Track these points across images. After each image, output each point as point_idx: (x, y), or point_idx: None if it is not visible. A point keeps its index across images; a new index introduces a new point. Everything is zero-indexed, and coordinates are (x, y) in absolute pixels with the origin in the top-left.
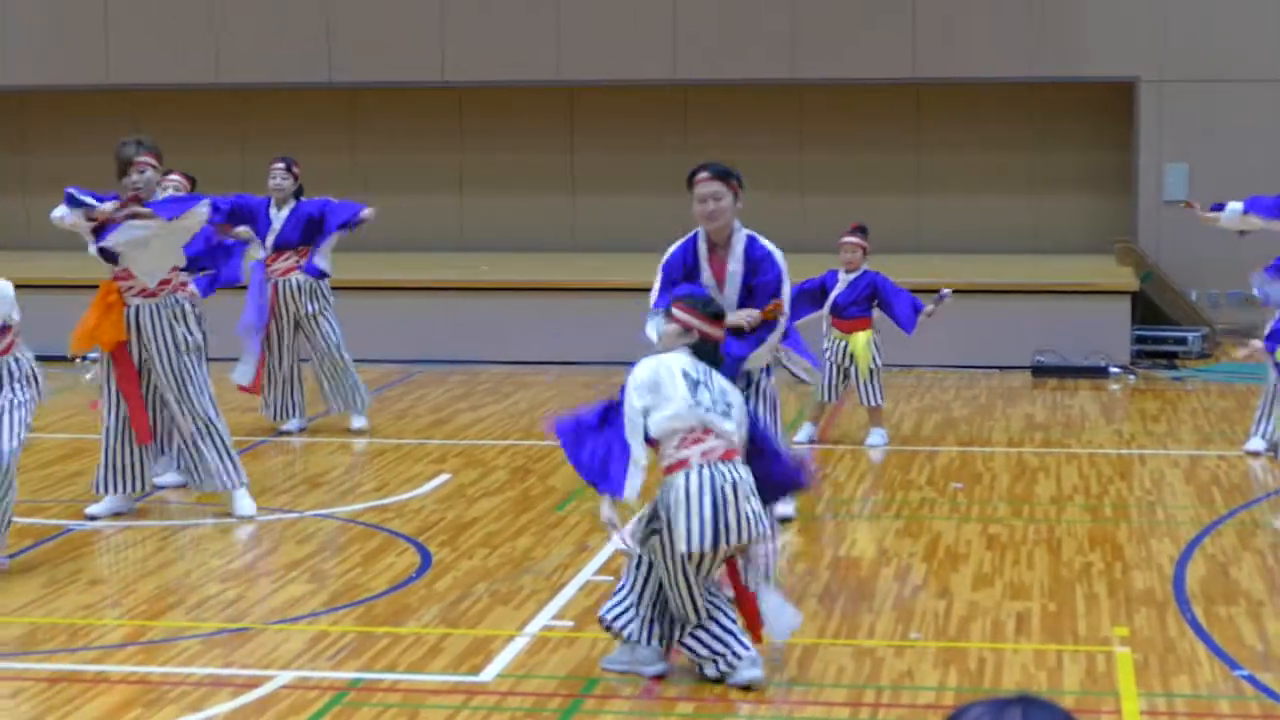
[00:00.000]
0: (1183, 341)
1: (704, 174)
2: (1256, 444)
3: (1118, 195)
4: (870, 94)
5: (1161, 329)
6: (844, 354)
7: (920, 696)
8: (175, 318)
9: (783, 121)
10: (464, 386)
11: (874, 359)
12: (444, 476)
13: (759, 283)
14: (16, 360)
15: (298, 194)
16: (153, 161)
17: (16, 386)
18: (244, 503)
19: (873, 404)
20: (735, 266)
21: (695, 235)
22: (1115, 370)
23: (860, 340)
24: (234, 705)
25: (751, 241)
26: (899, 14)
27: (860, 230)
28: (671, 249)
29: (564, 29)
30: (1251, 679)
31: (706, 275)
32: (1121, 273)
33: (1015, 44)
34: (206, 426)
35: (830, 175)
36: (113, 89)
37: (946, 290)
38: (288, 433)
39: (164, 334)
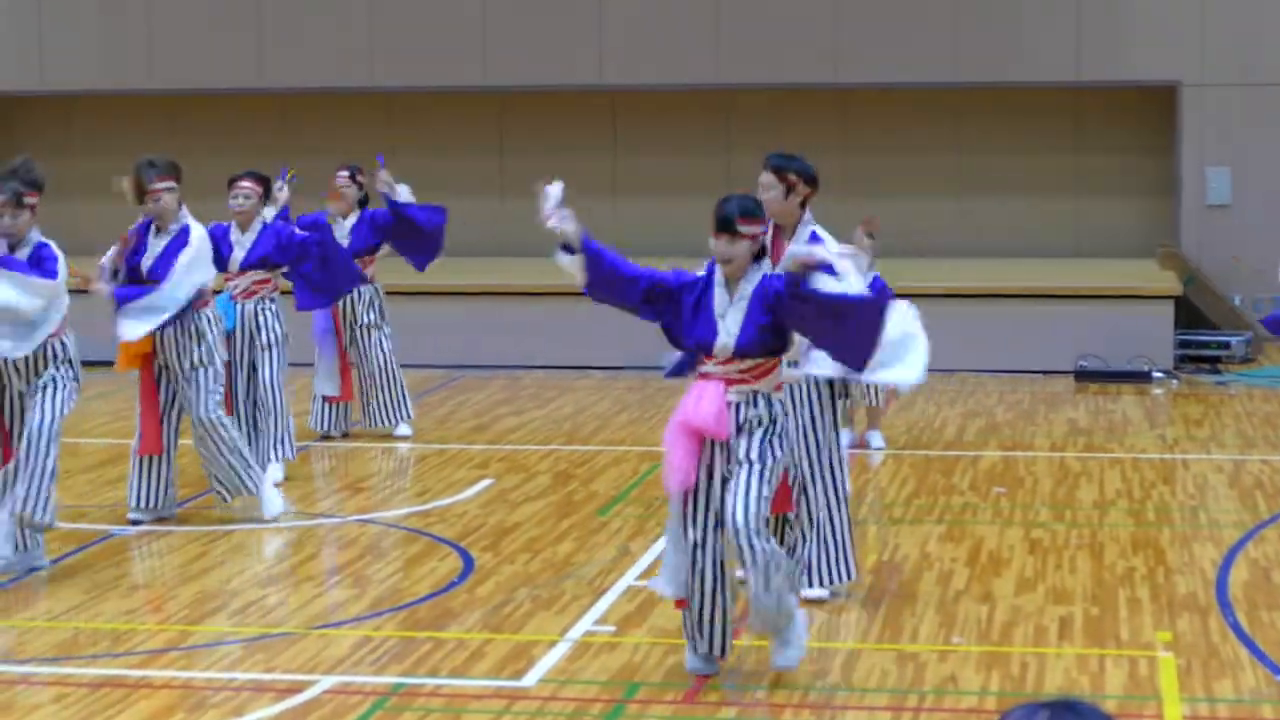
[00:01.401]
0: (1226, 346)
1: (765, 165)
2: None
3: (1160, 199)
4: (912, 98)
5: (1204, 333)
6: None
7: (963, 701)
8: (192, 336)
9: (825, 125)
10: (506, 391)
11: None
12: (487, 481)
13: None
14: (63, 343)
15: (363, 202)
16: (169, 184)
17: (62, 367)
18: (270, 503)
19: (873, 404)
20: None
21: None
22: (1158, 375)
23: None
24: (276, 710)
25: (814, 234)
26: (940, 19)
27: (868, 236)
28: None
29: (606, 32)
30: None
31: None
32: (1164, 277)
33: (1057, 48)
34: (211, 430)
35: (873, 178)
36: (155, 93)
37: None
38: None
39: (181, 351)
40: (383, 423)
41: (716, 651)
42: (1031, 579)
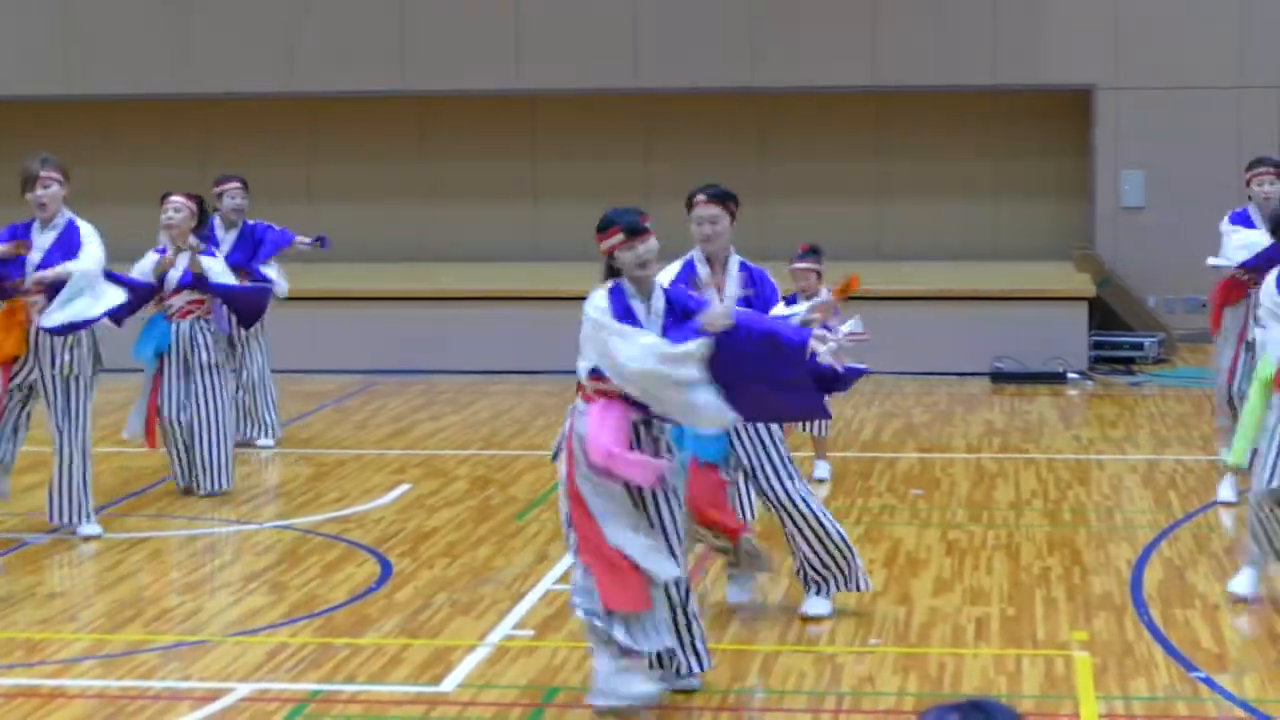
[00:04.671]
0: (1139, 347)
1: (702, 196)
2: None
3: (1075, 202)
4: (831, 102)
5: (1119, 335)
6: None
7: (881, 702)
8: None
9: (743, 130)
10: (423, 397)
11: None
12: (404, 487)
13: (763, 296)
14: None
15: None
16: (58, 177)
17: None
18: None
19: (820, 434)
20: (733, 289)
21: (691, 259)
22: (1073, 376)
23: None
24: (193, 718)
25: (742, 264)
26: (859, 23)
27: (813, 252)
28: (671, 274)
29: (524, 36)
30: (1208, 681)
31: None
32: (1079, 279)
33: (974, 52)
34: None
35: (792, 183)
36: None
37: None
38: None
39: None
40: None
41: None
42: (949, 580)
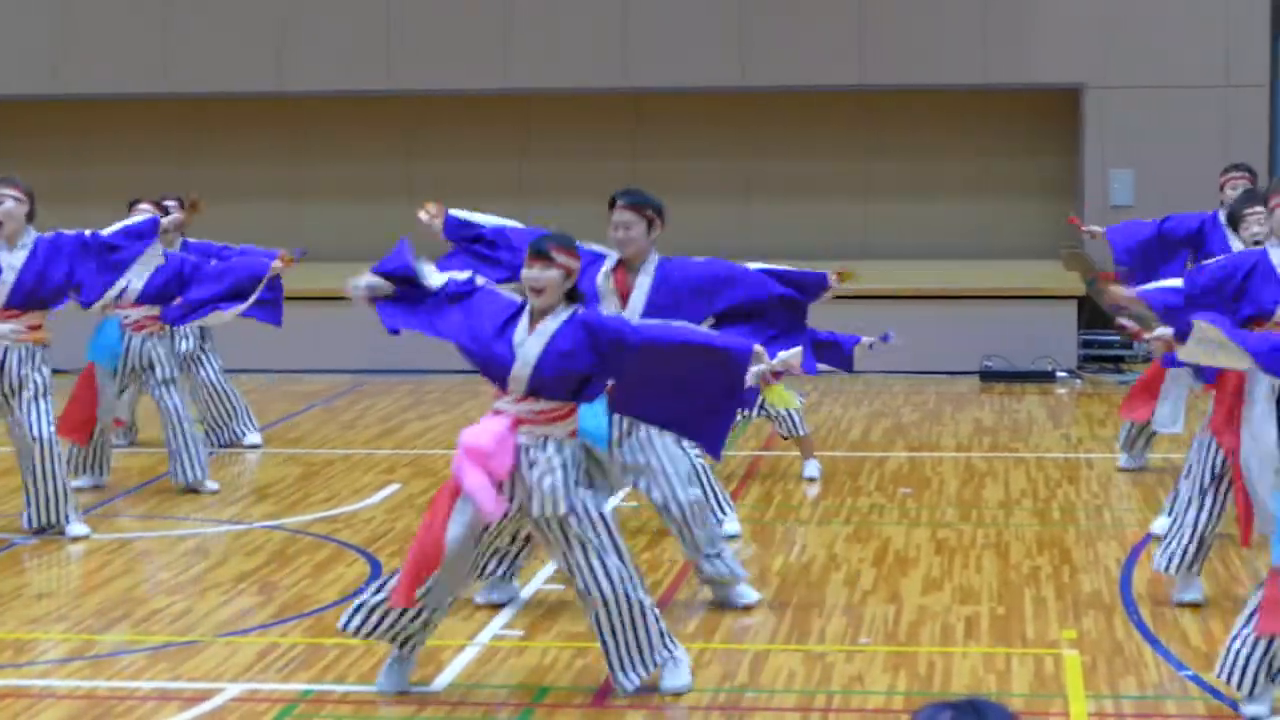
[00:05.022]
0: (1128, 346)
1: (620, 202)
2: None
3: (1064, 201)
4: (818, 100)
5: (1107, 333)
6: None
7: (870, 701)
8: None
9: (731, 128)
10: (412, 396)
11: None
12: (393, 486)
13: (676, 297)
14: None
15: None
16: (13, 194)
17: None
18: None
19: (804, 433)
20: (639, 298)
21: (602, 256)
22: (1062, 375)
23: (776, 387)
24: (183, 718)
25: (661, 262)
26: (847, 21)
27: None
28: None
29: (515, 35)
30: (1197, 679)
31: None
32: (1068, 278)
33: (962, 51)
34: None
35: (779, 182)
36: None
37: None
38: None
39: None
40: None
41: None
42: (938, 579)
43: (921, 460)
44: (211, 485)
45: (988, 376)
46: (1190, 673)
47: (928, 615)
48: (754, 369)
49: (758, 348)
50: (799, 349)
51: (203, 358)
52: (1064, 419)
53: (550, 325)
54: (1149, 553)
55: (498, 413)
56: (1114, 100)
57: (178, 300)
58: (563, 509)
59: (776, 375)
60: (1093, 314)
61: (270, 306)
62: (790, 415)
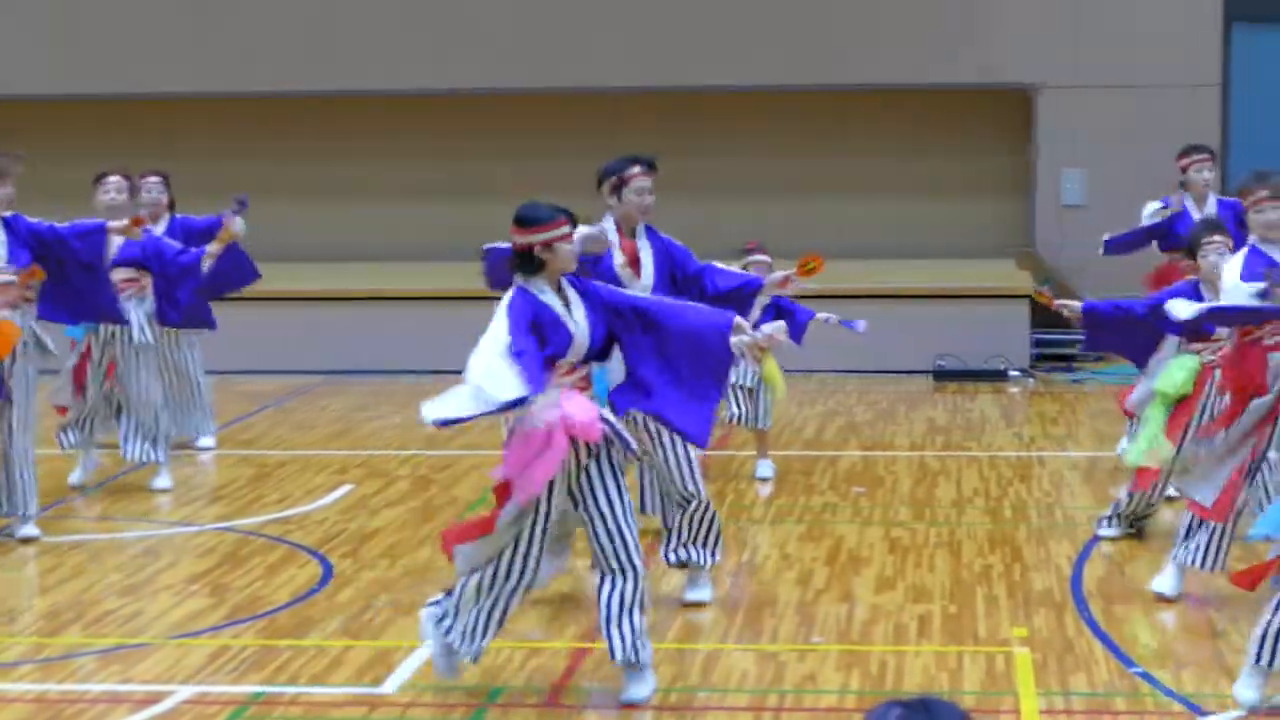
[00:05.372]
0: (1080, 344)
1: (638, 169)
2: None
3: (1017, 200)
4: (772, 100)
5: (1059, 332)
6: (754, 377)
7: (823, 700)
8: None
9: (679, 128)
10: (365, 397)
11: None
12: (346, 487)
13: (679, 260)
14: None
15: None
16: None
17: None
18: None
19: (765, 426)
20: (647, 257)
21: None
22: (1015, 374)
23: (772, 362)
24: None
25: (649, 230)
26: (805, 21)
27: (760, 249)
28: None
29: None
30: (1147, 676)
31: (620, 259)
32: (1020, 277)
33: (916, 51)
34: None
35: (731, 181)
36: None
37: (862, 323)
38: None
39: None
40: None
41: (473, 654)
42: (891, 578)
43: (875, 459)
44: (164, 480)
45: (941, 376)
46: (1140, 670)
47: (880, 614)
48: (735, 339)
49: (738, 319)
50: (782, 323)
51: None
52: (1016, 418)
53: (571, 294)
54: (1100, 550)
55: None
56: (1067, 100)
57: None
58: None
59: (763, 350)
60: (1045, 313)
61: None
62: (760, 404)
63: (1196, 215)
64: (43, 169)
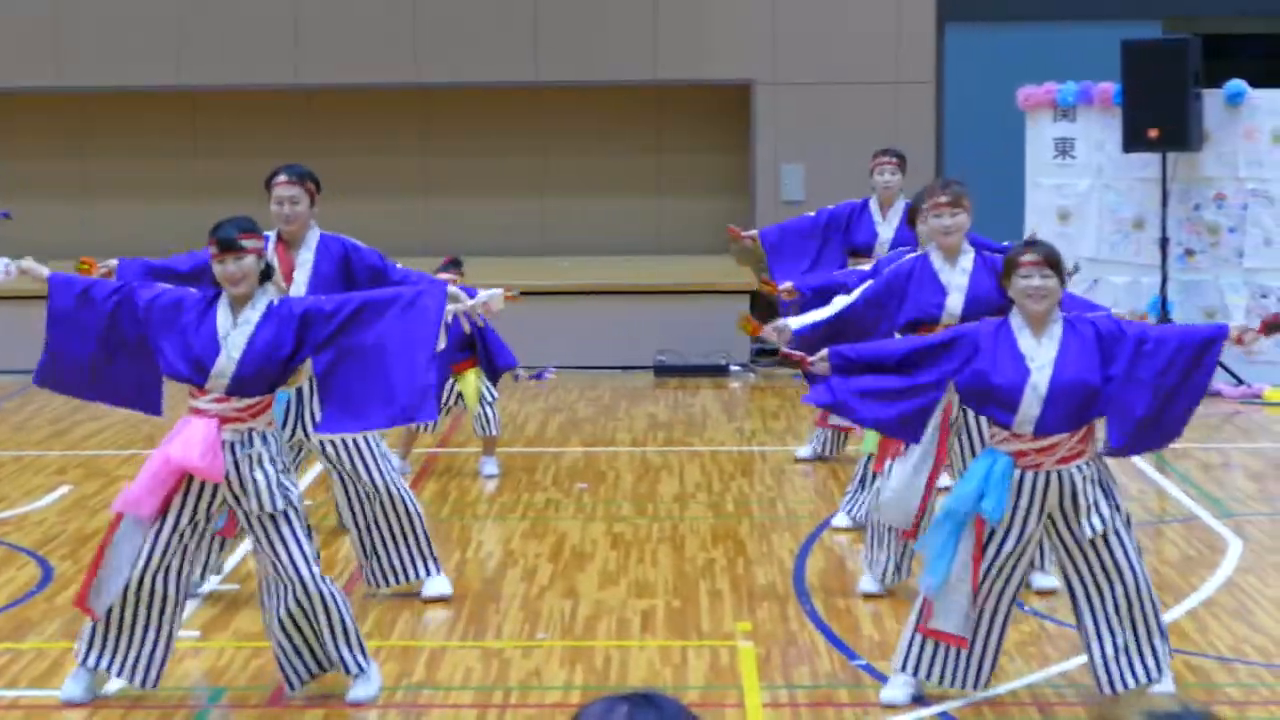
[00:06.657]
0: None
1: (282, 177)
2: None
3: (738, 196)
4: (492, 97)
5: None
6: (454, 395)
7: (548, 696)
8: None
9: (405, 124)
10: None
11: (486, 391)
12: (65, 488)
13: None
14: None
15: None
16: None
17: None
18: None
19: (497, 432)
20: (304, 271)
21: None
22: (736, 368)
23: (470, 379)
24: None
25: (324, 238)
26: (521, 17)
27: (454, 264)
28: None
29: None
30: (869, 668)
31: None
32: (740, 273)
33: (635, 47)
34: None
35: (454, 178)
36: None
37: (549, 371)
38: None
39: None
40: None
41: (140, 680)
42: (614, 573)
43: (597, 455)
44: None
45: (661, 371)
46: (863, 662)
47: (604, 610)
48: (452, 307)
49: (451, 288)
50: (499, 290)
51: None
52: (737, 412)
53: (251, 316)
54: (822, 544)
55: (198, 412)
56: (784, 96)
57: None
58: (280, 504)
59: (483, 320)
60: (766, 308)
61: None
62: (486, 412)
63: (879, 217)
64: None
